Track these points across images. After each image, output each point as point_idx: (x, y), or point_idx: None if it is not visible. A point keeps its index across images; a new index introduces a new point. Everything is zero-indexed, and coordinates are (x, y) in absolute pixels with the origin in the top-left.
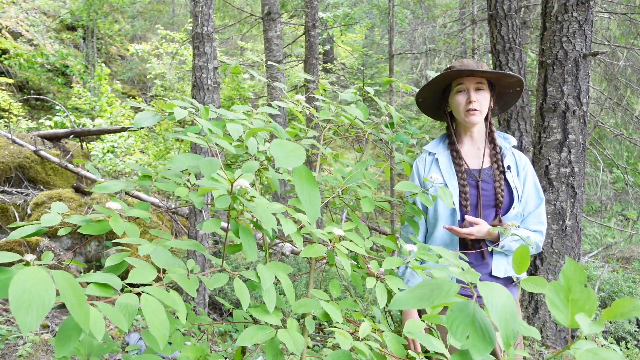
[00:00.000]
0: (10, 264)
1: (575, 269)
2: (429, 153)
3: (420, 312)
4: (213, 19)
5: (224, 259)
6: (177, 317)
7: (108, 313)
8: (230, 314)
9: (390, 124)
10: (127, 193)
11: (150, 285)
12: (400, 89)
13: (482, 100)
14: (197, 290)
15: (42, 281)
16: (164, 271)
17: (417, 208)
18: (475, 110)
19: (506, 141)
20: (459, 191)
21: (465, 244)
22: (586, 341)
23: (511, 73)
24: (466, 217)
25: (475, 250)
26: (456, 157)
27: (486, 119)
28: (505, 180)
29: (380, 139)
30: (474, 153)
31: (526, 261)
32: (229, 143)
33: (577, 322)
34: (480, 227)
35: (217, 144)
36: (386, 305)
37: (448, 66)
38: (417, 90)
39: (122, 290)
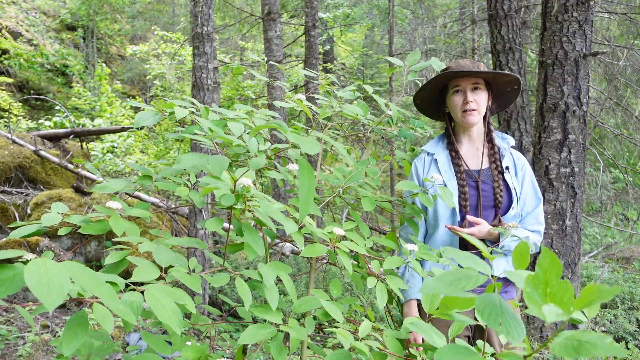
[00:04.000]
0: (10, 261)
1: (552, 261)
2: (428, 153)
3: (421, 315)
4: (213, 19)
5: (225, 259)
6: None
7: (116, 309)
8: (230, 314)
9: (391, 120)
10: (127, 193)
11: (153, 283)
12: (400, 89)
13: (479, 100)
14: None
15: (54, 267)
16: (166, 270)
17: (417, 208)
18: (472, 110)
19: (504, 141)
20: (459, 192)
21: (466, 245)
22: (567, 331)
23: (506, 72)
24: (467, 217)
25: (475, 250)
26: (455, 158)
27: (485, 119)
28: (504, 180)
29: (382, 137)
30: (473, 153)
31: (526, 259)
32: (231, 142)
33: (544, 312)
34: (481, 227)
35: (217, 143)
36: (386, 305)
37: (445, 67)
38: (420, 86)
39: (124, 289)
